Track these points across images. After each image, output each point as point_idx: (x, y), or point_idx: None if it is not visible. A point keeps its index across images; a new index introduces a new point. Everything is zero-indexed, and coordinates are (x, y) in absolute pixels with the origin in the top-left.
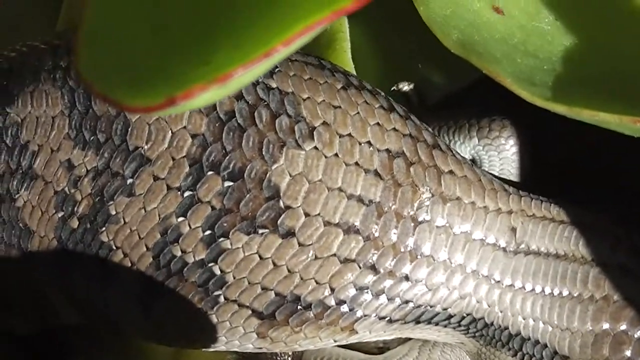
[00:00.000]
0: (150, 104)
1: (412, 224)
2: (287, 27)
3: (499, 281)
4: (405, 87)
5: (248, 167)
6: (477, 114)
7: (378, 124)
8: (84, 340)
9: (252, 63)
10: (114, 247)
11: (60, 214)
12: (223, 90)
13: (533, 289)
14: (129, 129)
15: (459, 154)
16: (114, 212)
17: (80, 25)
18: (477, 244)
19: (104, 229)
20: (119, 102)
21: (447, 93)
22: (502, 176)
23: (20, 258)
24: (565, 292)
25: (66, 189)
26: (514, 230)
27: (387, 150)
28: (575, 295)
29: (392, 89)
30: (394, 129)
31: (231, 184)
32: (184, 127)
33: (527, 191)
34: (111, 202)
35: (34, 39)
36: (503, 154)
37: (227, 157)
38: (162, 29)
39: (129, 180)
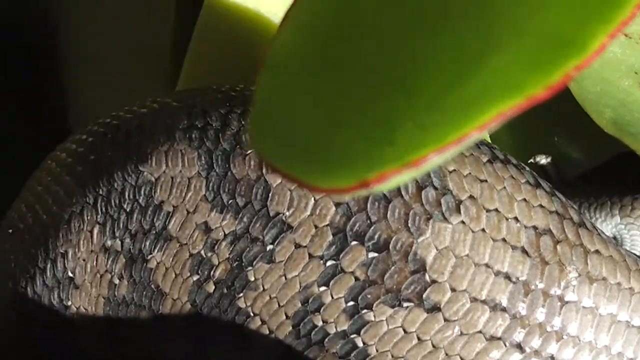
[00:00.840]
0: (341, 186)
1: (559, 304)
2: (480, 112)
3: None
4: (543, 160)
5: (393, 239)
6: (619, 191)
7: (525, 199)
8: None
9: (445, 148)
10: (252, 314)
11: (195, 277)
12: (414, 173)
13: None
14: (270, 194)
15: (603, 232)
16: (252, 278)
17: (253, 103)
18: (623, 326)
19: (241, 294)
20: (304, 182)
21: (585, 168)
22: None
23: (151, 320)
24: None
25: (202, 252)
26: None
27: (534, 227)
28: None
29: (530, 161)
30: (541, 206)
31: (376, 255)
32: (328, 196)
33: None
34: (250, 268)
35: (152, 97)
36: None
37: (372, 228)
38: (339, 106)
39: (269, 247)
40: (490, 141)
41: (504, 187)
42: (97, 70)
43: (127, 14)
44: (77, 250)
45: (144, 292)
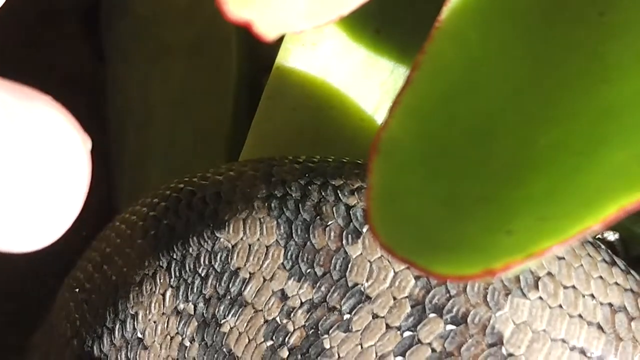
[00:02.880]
0: (467, 274)
1: None
2: (602, 206)
3: None
4: (611, 236)
5: (472, 313)
6: None
7: (601, 277)
8: None
9: (568, 241)
10: None
11: (269, 343)
12: (536, 262)
13: None
14: (350, 265)
15: None
16: (328, 346)
17: (369, 185)
18: None
19: None
20: (429, 270)
21: None
22: None
23: None
24: None
25: (278, 318)
26: None
27: (610, 304)
28: None
29: (597, 237)
30: (616, 283)
31: (453, 327)
32: (407, 268)
33: None
34: (326, 336)
35: (210, 167)
36: None
37: (451, 301)
38: (458, 194)
39: (347, 316)
40: None
41: (581, 265)
42: (148, 143)
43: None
44: (148, 312)
45: (215, 356)
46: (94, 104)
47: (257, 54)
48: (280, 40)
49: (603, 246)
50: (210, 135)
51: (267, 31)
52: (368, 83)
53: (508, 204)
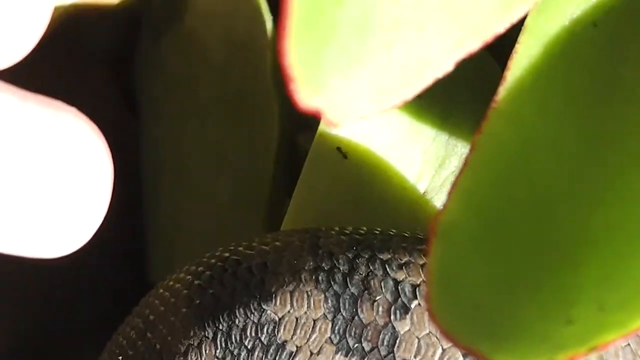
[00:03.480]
0: None
1: None
2: None
3: None
4: None
5: None
6: None
7: None
8: None
9: (632, 332)
10: None
11: None
12: (597, 355)
13: None
14: (397, 341)
15: None
16: None
17: (428, 269)
18: None
19: None
20: (487, 357)
21: None
22: None
23: None
24: None
25: None
26: None
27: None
28: None
29: None
30: None
31: None
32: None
33: None
34: None
35: (249, 231)
36: None
37: None
38: (516, 280)
39: None
40: None
41: None
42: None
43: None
44: None
45: None
46: (129, 162)
47: (295, 111)
48: None
49: None
50: (249, 196)
51: (336, 118)
52: (410, 151)
53: (566, 290)
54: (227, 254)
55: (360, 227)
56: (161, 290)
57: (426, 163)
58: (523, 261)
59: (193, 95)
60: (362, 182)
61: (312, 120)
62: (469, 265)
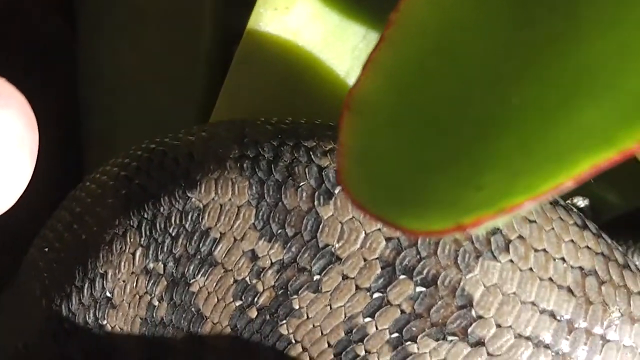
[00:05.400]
0: (437, 229)
1: (601, 342)
2: (574, 163)
3: None
4: (581, 202)
5: (442, 275)
6: None
7: (572, 240)
8: None
9: (540, 196)
10: (294, 341)
11: (238, 303)
12: (507, 218)
13: None
14: (321, 226)
15: None
16: (297, 307)
17: (340, 142)
18: None
19: (284, 322)
20: (400, 225)
21: (621, 212)
22: None
23: (189, 343)
24: None
25: (247, 279)
26: None
27: (580, 268)
28: None
29: (567, 202)
30: (587, 247)
31: (423, 289)
32: (379, 230)
33: None
34: (295, 297)
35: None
36: None
37: (421, 263)
38: (430, 150)
39: (316, 277)
40: None
41: (553, 228)
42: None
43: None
44: (117, 271)
45: (184, 315)
46: (68, 73)
47: (230, 21)
48: (253, 5)
49: (575, 210)
50: (182, 101)
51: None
52: (340, 48)
53: (479, 160)
54: (153, 146)
55: (286, 117)
56: (88, 184)
57: (356, 60)
58: (437, 134)
59: (130, 5)
60: (291, 79)
61: None
62: (382, 138)
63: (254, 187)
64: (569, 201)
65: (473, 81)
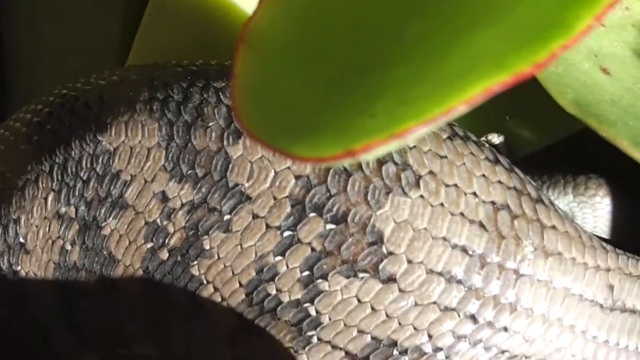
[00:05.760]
0: (328, 155)
1: (514, 277)
2: (466, 87)
3: (594, 337)
4: (495, 139)
5: (352, 212)
6: (572, 170)
7: (484, 175)
8: None
9: (431, 121)
10: (205, 282)
11: (149, 245)
12: (399, 144)
13: (627, 346)
14: (230, 166)
15: (560, 209)
16: (207, 247)
17: (234, 73)
18: (576, 299)
19: (195, 262)
20: (290, 152)
21: (536, 148)
22: (595, 234)
23: (102, 286)
24: None
25: (158, 220)
26: (611, 287)
27: (492, 202)
28: None
29: (482, 139)
30: (499, 182)
31: (333, 227)
32: (288, 168)
33: (622, 250)
34: (206, 237)
35: (104, 70)
36: (598, 212)
37: (331, 200)
38: (323, 81)
39: (227, 217)
40: None
41: (464, 163)
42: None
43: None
44: (30, 216)
45: (96, 259)
46: None
47: None
48: None
49: (487, 145)
50: (100, 51)
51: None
52: None
53: (373, 90)
54: (65, 91)
55: (196, 60)
56: (2, 131)
57: None
58: (331, 66)
59: None
60: (204, 22)
61: None
62: (276, 68)
63: (163, 129)
64: (483, 138)
65: (368, 12)
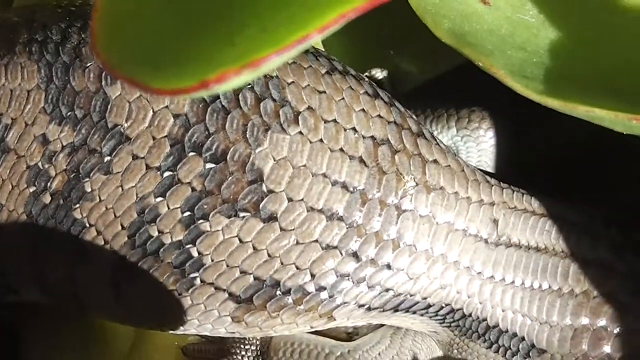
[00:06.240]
0: (181, 87)
1: (396, 213)
2: (321, 14)
3: (479, 272)
4: (378, 73)
5: (231, 150)
6: (455, 103)
7: (363, 110)
8: (39, 317)
9: (285, 49)
10: (87, 225)
11: (32, 189)
12: (254, 74)
13: (513, 282)
14: (109, 106)
15: (442, 143)
16: (89, 190)
17: (95, 7)
18: (459, 235)
19: (77, 205)
20: (145, 84)
21: (419, 82)
22: (479, 168)
23: None
24: (545, 286)
25: (40, 164)
26: (495, 222)
27: (372, 137)
28: (555, 289)
29: (365, 75)
30: (379, 116)
31: (213, 166)
32: (166, 107)
33: (506, 183)
34: (87, 179)
35: None
36: (482, 146)
37: (210, 139)
38: (183, 12)
39: (107, 158)
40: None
41: (343, 98)
42: None
43: None
44: None
45: None
46: None
47: None
48: None
49: (367, 79)
50: None
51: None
52: None
53: (236, 21)
54: None
55: (76, 0)
56: None
57: None
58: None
59: None
60: None
61: None
62: (138, 1)
63: (42, 71)
64: (367, 73)
65: None
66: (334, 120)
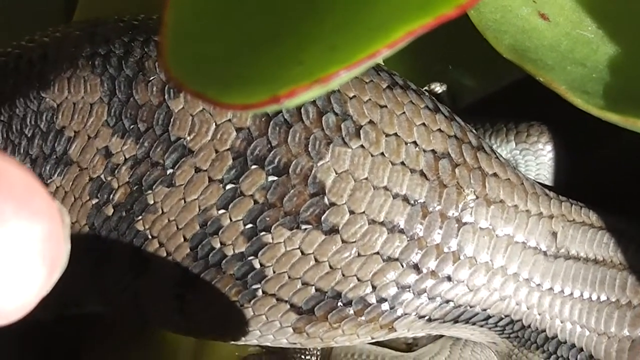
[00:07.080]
0: (253, 102)
1: (456, 225)
2: (389, 30)
3: (539, 284)
4: (438, 88)
5: (293, 163)
6: (514, 117)
7: (424, 124)
8: (102, 328)
9: (354, 65)
10: (150, 237)
11: (94, 201)
12: (323, 90)
13: (572, 293)
14: (172, 120)
15: (502, 156)
16: (151, 202)
17: (163, 22)
18: (519, 247)
19: (140, 218)
20: (215, 99)
21: (478, 96)
22: (537, 181)
23: None
24: (603, 297)
25: (102, 176)
26: (554, 234)
27: (433, 151)
28: (613, 300)
29: (424, 89)
30: (440, 130)
31: (275, 178)
32: (229, 120)
33: (565, 196)
34: (149, 192)
35: (48, 28)
36: (540, 159)
37: (272, 152)
38: (253, 29)
39: (169, 171)
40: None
41: (404, 112)
42: None
43: None
44: None
45: None
46: None
47: None
48: None
49: (427, 94)
50: (45, 11)
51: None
52: None
53: (302, 38)
54: (9, 49)
55: (139, 14)
56: None
57: None
58: (261, 14)
59: None
60: None
61: None
62: (206, 15)
63: (105, 84)
64: (426, 87)
65: None
66: (395, 134)
